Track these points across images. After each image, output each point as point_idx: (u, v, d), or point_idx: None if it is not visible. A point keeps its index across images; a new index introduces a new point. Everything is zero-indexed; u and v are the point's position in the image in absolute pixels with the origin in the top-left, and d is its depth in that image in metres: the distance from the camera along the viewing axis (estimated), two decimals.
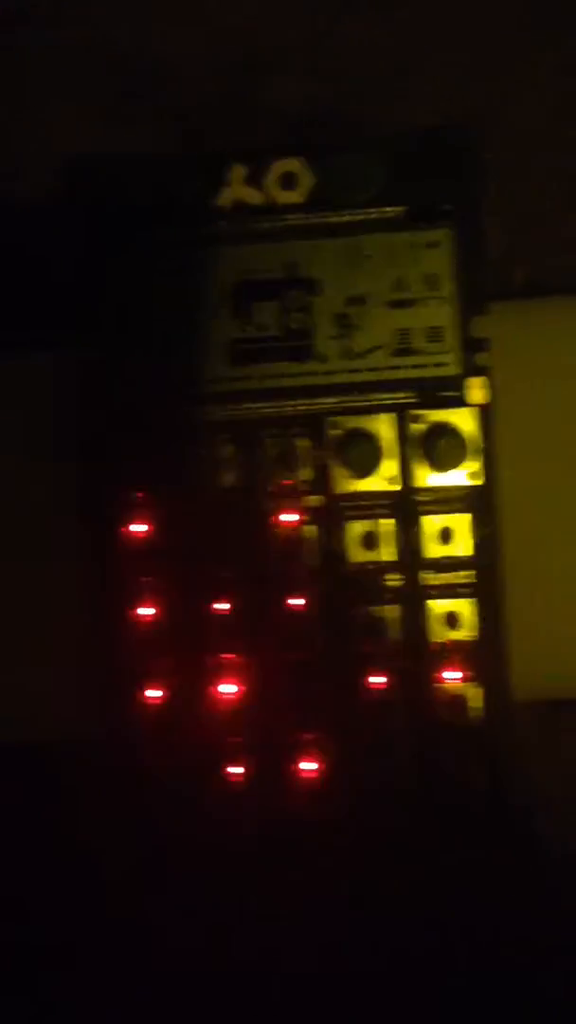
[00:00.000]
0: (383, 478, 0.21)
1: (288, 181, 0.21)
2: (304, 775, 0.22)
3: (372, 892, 0.24)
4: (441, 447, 0.21)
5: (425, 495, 0.21)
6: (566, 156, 0.25)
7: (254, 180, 0.21)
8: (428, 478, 0.21)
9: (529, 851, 0.24)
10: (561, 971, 0.24)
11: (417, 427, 0.21)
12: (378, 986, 0.24)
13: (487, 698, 0.21)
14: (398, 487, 0.21)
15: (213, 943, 0.23)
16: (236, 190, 0.21)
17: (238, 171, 0.21)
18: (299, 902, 0.23)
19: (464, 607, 0.21)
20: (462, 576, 0.21)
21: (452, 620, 0.21)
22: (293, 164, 0.21)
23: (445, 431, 0.21)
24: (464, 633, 0.21)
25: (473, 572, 0.21)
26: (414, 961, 0.24)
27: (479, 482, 0.21)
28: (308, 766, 0.22)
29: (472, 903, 0.24)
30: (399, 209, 0.21)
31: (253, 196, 0.21)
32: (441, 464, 0.21)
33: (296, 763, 0.21)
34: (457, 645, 0.21)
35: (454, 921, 0.24)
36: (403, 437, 0.21)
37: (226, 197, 0.21)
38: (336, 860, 0.23)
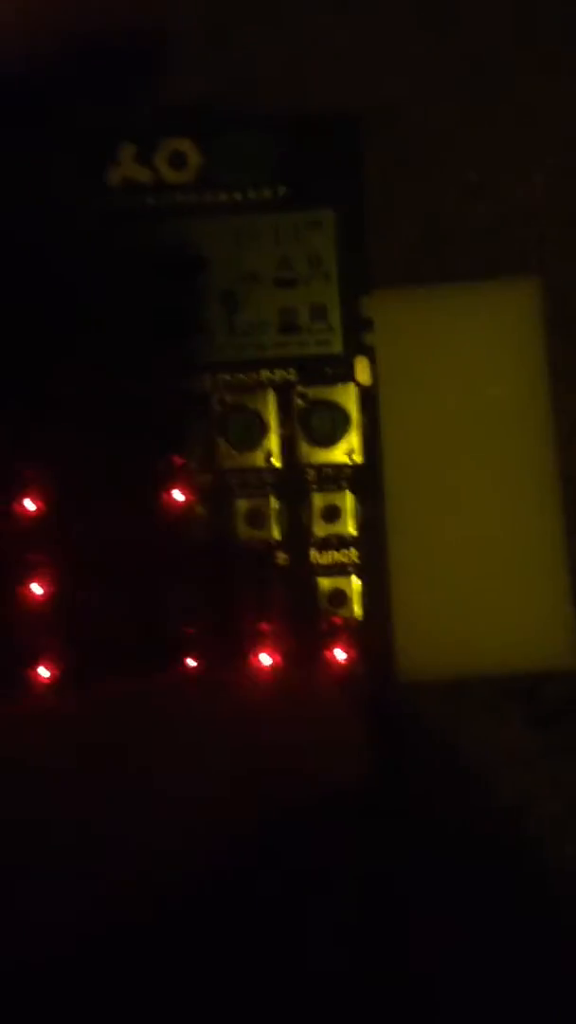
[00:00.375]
0: (265, 454, 0.21)
1: (177, 160, 0.21)
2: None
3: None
4: (322, 423, 0.21)
5: (310, 472, 0.21)
6: (472, 149, 0.26)
7: (143, 159, 0.21)
8: (310, 455, 0.21)
9: (415, 839, 0.24)
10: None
11: (300, 403, 0.21)
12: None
13: (372, 678, 0.21)
14: (279, 464, 0.21)
15: None
16: (125, 168, 0.21)
17: (127, 149, 0.21)
18: None
19: (349, 586, 0.21)
20: (347, 555, 0.21)
21: (338, 599, 0.21)
22: (182, 143, 0.21)
23: (327, 408, 0.21)
24: (349, 612, 0.21)
25: (356, 552, 0.21)
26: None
27: (360, 459, 0.21)
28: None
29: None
30: (283, 189, 0.21)
31: (142, 174, 0.21)
32: (322, 440, 0.21)
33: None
34: (345, 624, 0.22)
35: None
36: (286, 413, 0.21)
37: (115, 175, 0.21)
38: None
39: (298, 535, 0.21)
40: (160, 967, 0.23)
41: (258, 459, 0.21)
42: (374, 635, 0.21)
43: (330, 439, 0.21)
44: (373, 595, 0.21)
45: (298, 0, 0.27)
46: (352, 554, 0.21)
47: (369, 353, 0.21)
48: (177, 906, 0.20)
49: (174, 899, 0.19)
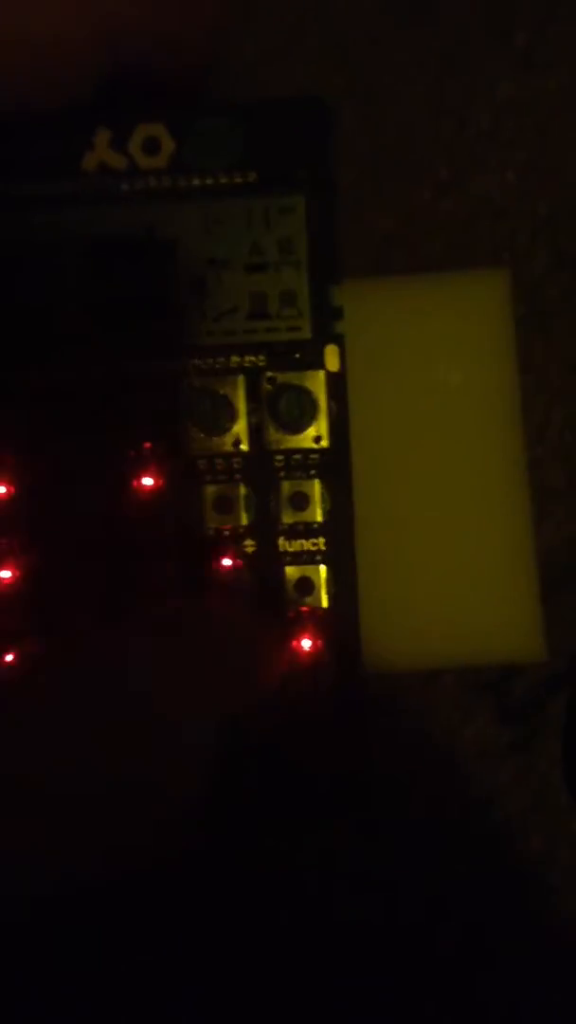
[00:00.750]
0: (234, 439, 0.21)
1: (151, 146, 0.21)
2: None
3: None
4: (291, 410, 0.21)
5: (278, 458, 0.21)
6: (445, 142, 0.26)
7: (118, 144, 0.21)
8: (279, 441, 0.21)
9: (382, 830, 0.24)
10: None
11: (269, 389, 0.21)
12: None
13: (338, 667, 0.21)
14: (247, 449, 0.21)
15: None
16: (100, 153, 0.21)
17: (103, 135, 0.21)
18: None
19: (317, 574, 0.21)
20: (315, 543, 0.21)
21: (305, 587, 0.21)
22: (156, 129, 0.21)
23: (295, 394, 0.21)
24: (317, 601, 0.21)
25: (323, 540, 0.21)
26: None
27: (328, 446, 0.21)
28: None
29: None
30: (254, 175, 0.21)
31: (116, 160, 0.21)
32: (290, 427, 0.21)
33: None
34: (310, 613, 0.21)
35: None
36: (255, 399, 0.21)
37: (90, 160, 0.21)
38: None
39: (265, 522, 0.21)
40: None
41: (227, 444, 0.21)
42: (341, 624, 0.21)
43: (298, 425, 0.21)
44: (340, 584, 0.21)
45: None
46: (320, 542, 0.21)
47: (339, 341, 0.21)
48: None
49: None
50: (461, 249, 0.26)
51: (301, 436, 0.21)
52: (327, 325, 0.21)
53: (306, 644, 0.21)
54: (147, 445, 0.21)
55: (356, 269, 0.24)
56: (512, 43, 0.27)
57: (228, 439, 0.21)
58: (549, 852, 0.25)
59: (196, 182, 0.21)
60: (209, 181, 0.21)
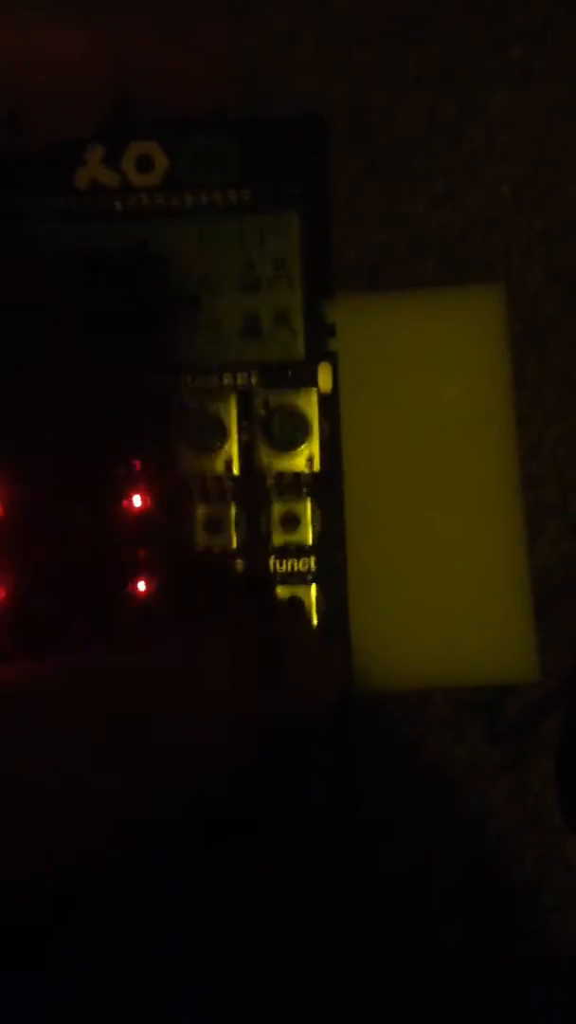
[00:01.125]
0: (225, 460, 0.21)
1: (144, 163, 0.21)
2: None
3: None
4: (283, 430, 0.21)
5: (269, 479, 0.21)
6: (440, 158, 0.26)
7: (111, 161, 0.21)
8: (271, 461, 0.21)
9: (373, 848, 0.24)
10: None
11: (261, 409, 0.21)
12: None
13: (331, 691, 0.21)
14: (239, 470, 0.21)
15: None
16: (93, 170, 0.21)
17: (95, 152, 0.21)
18: None
19: (307, 595, 0.21)
20: (306, 563, 0.21)
21: (295, 607, 0.21)
22: (149, 147, 0.21)
23: (288, 414, 0.21)
24: (307, 621, 0.21)
25: (314, 560, 0.21)
26: None
27: (319, 467, 0.21)
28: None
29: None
30: (248, 193, 0.21)
31: (109, 177, 0.21)
32: (282, 447, 0.21)
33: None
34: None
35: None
36: (247, 419, 0.21)
37: (83, 177, 0.21)
38: None
39: (256, 542, 0.21)
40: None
41: (218, 465, 0.21)
42: (332, 645, 0.21)
43: (291, 446, 0.21)
44: (331, 604, 0.21)
45: (270, 5, 0.27)
46: (310, 562, 0.21)
47: (332, 359, 0.21)
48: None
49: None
50: (456, 264, 0.26)
51: (293, 456, 0.21)
52: (320, 343, 0.21)
53: None
54: (137, 464, 0.21)
55: (351, 284, 0.23)
56: (508, 57, 0.27)
57: (219, 459, 0.21)
58: (542, 872, 0.25)
59: (189, 199, 0.21)
60: (202, 199, 0.21)
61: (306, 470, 0.21)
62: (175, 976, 0.24)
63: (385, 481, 0.23)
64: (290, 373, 0.21)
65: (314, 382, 0.21)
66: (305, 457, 0.21)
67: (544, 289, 0.26)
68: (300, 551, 0.21)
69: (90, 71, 0.20)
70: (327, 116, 0.21)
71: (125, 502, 0.21)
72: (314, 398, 0.21)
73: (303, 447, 0.21)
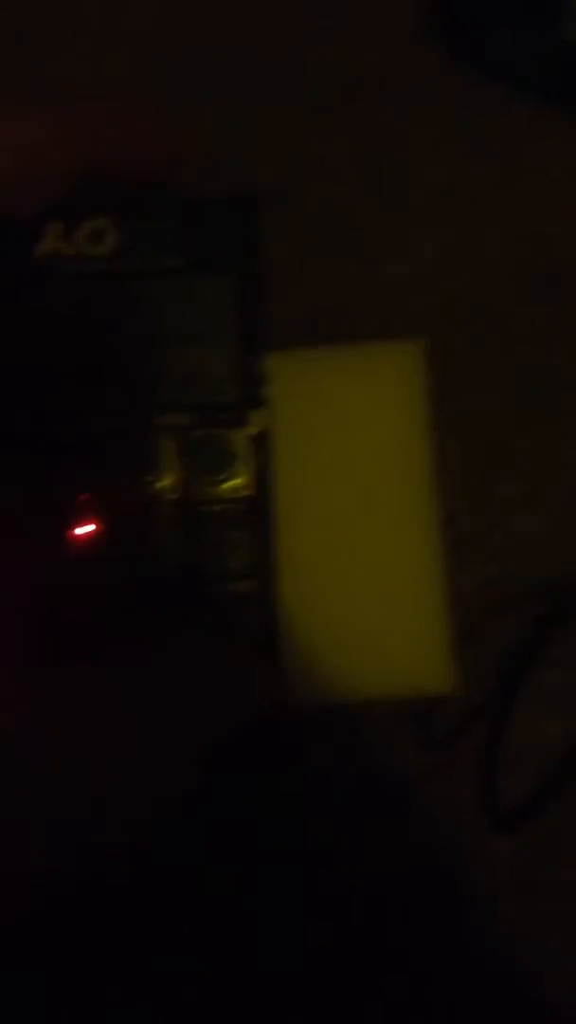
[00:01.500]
0: (164, 492, 0.24)
1: (96, 236, 0.24)
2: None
3: None
4: (218, 467, 0.23)
5: (204, 509, 0.24)
6: (369, 224, 0.29)
7: (67, 235, 0.24)
8: (206, 494, 0.24)
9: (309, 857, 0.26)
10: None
11: (196, 446, 0.24)
12: None
13: (260, 706, 0.24)
14: (175, 501, 0.24)
15: None
16: (52, 242, 0.24)
17: (55, 226, 0.24)
18: None
19: (242, 614, 0.24)
20: (241, 587, 0.24)
21: (231, 626, 0.24)
22: (102, 222, 0.24)
23: (222, 453, 0.23)
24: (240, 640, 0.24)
25: (249, 584, 0.24)
26: None
27: (252, 495, 0.23)
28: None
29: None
30: (188, 261, 0.24)
31: (66, 249, 0.24)
32: (216, 481, 0.23)
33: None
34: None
35: None
36: (186, 456, 0.24)
37: (42, 248, 0.24)
38: None
39: (194, 568, 0.23)
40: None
41: (157, 496, 0.23)
42: (265, 662, 0.23)
43: (224, 480, 0.23)
44: (265, 624, 0.24)
45: (213, 88, 0.30)
46: (245, 586, 0.24)
47: (264, 405, 0.24)
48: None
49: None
50: (386, 319, 0.29)
51: (227, 489, 0.24)
52: (253, 391, 0.24)
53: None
54: (83, 497, 0.23)
55: (290, 339, 0.26)
56: (434, 127, 0.30)
57: (159, 491, 0.24)
58: (468, 869, 0.27)
59: (137, 267, 0.24)
60: (148, 266, 0.24)
61: (239, 501, 0.24)
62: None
63: (316, 514, 0.25)
64: (225, 416, 0.24)
65: (246, 424, 0.24)
66: (238, 489, 0.24)
67: (467, 339, 0.29)
68: (235, 575, 0.24)
69: (51, 154, 0.23)
70: (259, 197, 0.24)
71: (70, 533, 0.24)
72: (246, 439, 0.24)
73: (237, 482, 0.24)
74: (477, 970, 0.27)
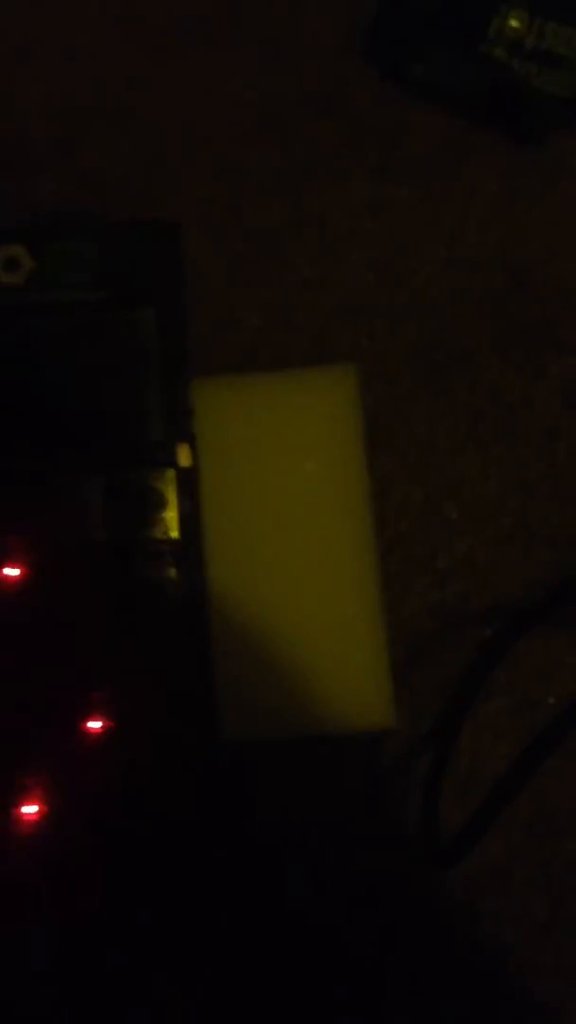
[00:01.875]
0: (92, 531, 0.23)
1: (11, 265, 0.23)
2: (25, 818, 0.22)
3: None
4: (146, 505, 0.23)
5: (132, 547, 0.23)
6: (307, 247, 0.29)
7: None
8: (133, 533, 0.23)
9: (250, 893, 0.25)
10: None
11: (123, 486, 0.23)
12: None
13: (195, 740, 0.23)
14: (104, 540, 0.23)
15: None
16: None
17: None
18: None
19: (171, 651, 0.23)
20: (173, 624, 0.23)
21: (162, 662, 0.23)
22: (16, 249, 0.23)
23: (148, 490, 0.23)
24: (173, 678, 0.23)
25: (184, 621, 0.23)
26: None
27: (179, 536, 0.23)
28: (29, 809, 0.23)
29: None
30: (107, 290, 0.23)
31: None
32: (144, 520, 0.23)
33: (17, 807, 0.23)
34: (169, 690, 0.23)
35: None
36: (111, 496, 0.23)
37: None
38: None
39: (123, 606, 0.23)
40: None
41: (85, 536, 0.23)
42: (197, 699, 0.23)
43: (153, 519, 0.23)
44: (196, 661, 0.23)
45: (148, 110, 0.29)
46: (178, 623, 0.23)
47: (190, 439, 0.23)
48: None
49: None
50: (322, 344, 0.28)
51: (155, 529, 0.23)
52: (179, 425, 0.23)
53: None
54: (8, 538, 0.23)
55: (219, 367, 0.26)
56: (369, 153, 0.29)
57: (86, 531, 0.23)
58: (412, 906, 0.27)
59: (53, 297, 0.23)
60: (65, 296, 0.23)
61: (168, 541, 0.23)
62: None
63: (249, 545, 0.25)
64: (150, 454, 0.23)
65: (173, 461, 0.23)
66: (166, 529, 0.23)
67: (405, 364, 0.29)
68: (166, 612, 0.23)
69: None
70: (179, 223, 0.24)
71: None
72: (172, 476, 0.23)
73: (165, 520, 0.23)
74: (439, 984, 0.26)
